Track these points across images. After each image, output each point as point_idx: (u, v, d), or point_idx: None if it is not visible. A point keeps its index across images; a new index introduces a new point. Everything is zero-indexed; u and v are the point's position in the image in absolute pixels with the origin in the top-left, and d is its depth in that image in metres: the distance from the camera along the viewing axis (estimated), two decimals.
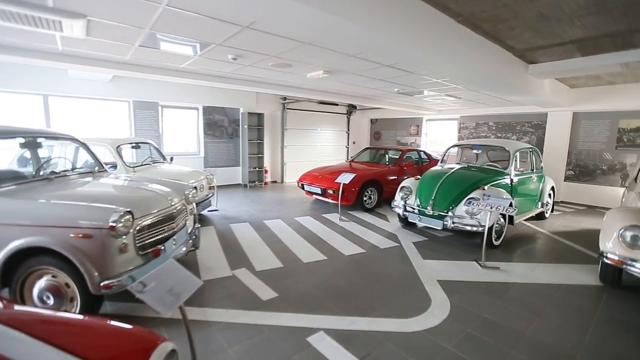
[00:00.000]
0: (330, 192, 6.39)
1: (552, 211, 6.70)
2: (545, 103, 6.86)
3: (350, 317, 2.79)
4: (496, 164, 5.59)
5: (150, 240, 2.74)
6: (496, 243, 4.59)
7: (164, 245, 2.78)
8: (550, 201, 6.51)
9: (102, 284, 2.33)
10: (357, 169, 6.99)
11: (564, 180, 8.10)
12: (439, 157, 8.91)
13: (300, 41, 3.42)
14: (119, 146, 4.96)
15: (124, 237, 2.42)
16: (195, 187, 3.65)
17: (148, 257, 2.70)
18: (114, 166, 5.01)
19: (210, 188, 5.88)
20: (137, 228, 2.59)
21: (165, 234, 2.92)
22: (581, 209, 7.59)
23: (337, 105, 11.66)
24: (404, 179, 7.24)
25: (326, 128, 11.69)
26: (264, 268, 3.75)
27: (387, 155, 8.51)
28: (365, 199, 6.62)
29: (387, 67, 4.43)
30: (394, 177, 7.08)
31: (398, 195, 5.36)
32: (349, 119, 12.38)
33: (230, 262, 3.90)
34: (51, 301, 2.36)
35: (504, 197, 4.43)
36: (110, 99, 7.25)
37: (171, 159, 6.23)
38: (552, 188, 6.50)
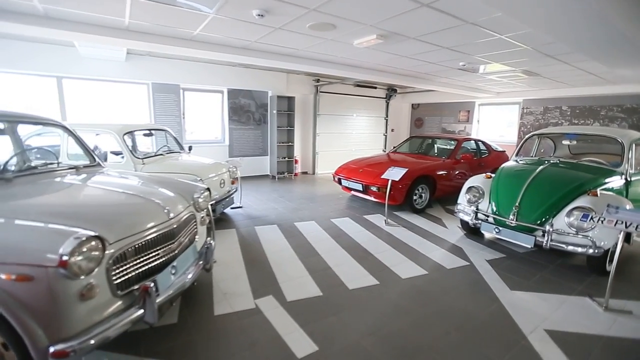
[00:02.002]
0: (374, 189, 5.34)
1: None
2: None
3: None
4: (598, 159, 4.25)
5: (135, 273, 1.87)
6: (608, 268, 3.37)
7: (154, 280, 1.90)
8: None
9: (52, 350, 1.48)
10: (405, 162, 5.87)
11: None
12: (499, 148, 7.58)
13: None
14: (126, 134, 4.19)
15: (86, 276, 1.56)
16: (208, 189, 2.75)
17: (133, 297, 1.84)
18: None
19: (233, 182, 5.04)
20: (114, 258, 1.72)
21: (161, 260, 2.05)
22: None
23: (375, 88, 10.44)
24: (457, 174, 6.07)
25: (362, 114, 10.53)
26: (298, 297, 2.82)
27: (436, 146, 7.28)
28: (414, 197, 5.50)
29: (470, 24, 3.23)
30: (448, 172, 5.89)
31: (464, 198, 4.21)
32: (387, 103, 11.11)
33: (254, 284, 3.01)
34: None
35: (627, 206, 3.19)
36: (126, 80, 6.56)
37: (190, 148, 5.45)
38: None
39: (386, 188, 4.92)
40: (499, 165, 7.23)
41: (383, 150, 11.34)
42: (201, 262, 2.49)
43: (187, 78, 7.03)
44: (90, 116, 6.46)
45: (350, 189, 6.03)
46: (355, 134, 10.52)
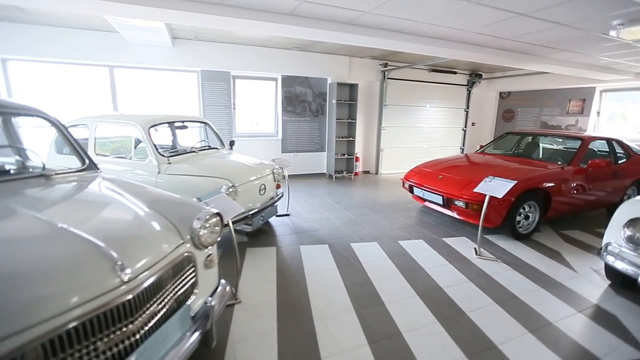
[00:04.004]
0: (460, 204, 3.96)
1: None
2: None
3: None
4: None
5: None
6: None
7: None
8: None
9: None
10: (500, 168, 4.34)
11: None
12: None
13: None
14: (153, 126, 3.51)
15: None
16: (218, 214, 1.79)
17: None
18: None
19: (277, 186, 4.13)
20: None
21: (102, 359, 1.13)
22: None
23: (455, 73, 8.72)
24: (578, 187, 4.31)
25: (437, 104, 8.89)
26: None
27: (542, 146, 5.51)
28: (517, 219, 3.98)
29: None
30: (568, 185, 4.20)
31: (619, 234, 2.66)
32: (469, 92, 9.25)
33: (284, 355, 2.01)
34: None
35: None
36: (175, 68, 6.09)
37: (231, 143, 4.68)
38: None
39: (480, 205, 3.54)
40: None
41: (460, 149, 9.56)
42: (198, 333, 1.56)
43: (238, 64, 6.32)
44: (141, 107, 6.15)
45: (425, 200, 4.70)
46: (428, 129, 8.94)
